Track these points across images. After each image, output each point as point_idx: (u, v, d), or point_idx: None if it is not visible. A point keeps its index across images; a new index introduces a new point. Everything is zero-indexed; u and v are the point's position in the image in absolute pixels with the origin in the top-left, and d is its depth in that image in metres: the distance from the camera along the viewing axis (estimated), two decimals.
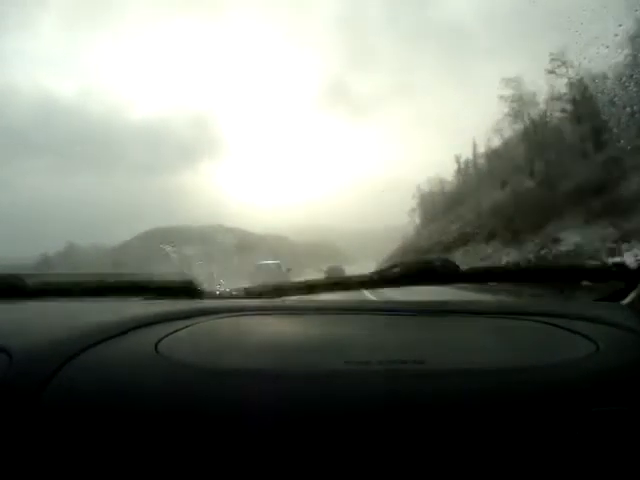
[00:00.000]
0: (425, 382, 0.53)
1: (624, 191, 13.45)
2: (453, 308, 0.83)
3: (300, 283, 0.94)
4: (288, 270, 13.53)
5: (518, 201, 20.73)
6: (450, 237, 26.04)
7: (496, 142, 30.26)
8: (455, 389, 0.52)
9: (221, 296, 0.99)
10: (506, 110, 25.82)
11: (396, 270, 0.85)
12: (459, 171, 36.03)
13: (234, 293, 0.99)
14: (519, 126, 26.13)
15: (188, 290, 0.94)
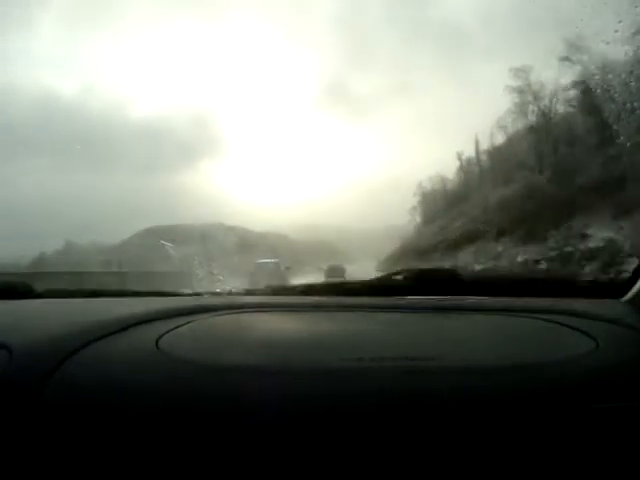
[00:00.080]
0: (426, 378, 0.54)
1: None
2: (454, 306, 0.83)
3: (299, 286, 0.93)
4: (287, 269, 13.49)
5: (531, 196, 19.94)
6: (454, 235, 25.34)
7: (499, 139, 30.00)
8: (456, 385, 0.53)
9: (221, 293, 0.99)
10: (515, 101, 24.95)
11: (399, 277, 0.85)
12: (461, 168, 35.80)
13: (234, 290, 0.99)
14: (526, 119, 25.25)
15: (189, 287, 0.95)
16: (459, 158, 35.83)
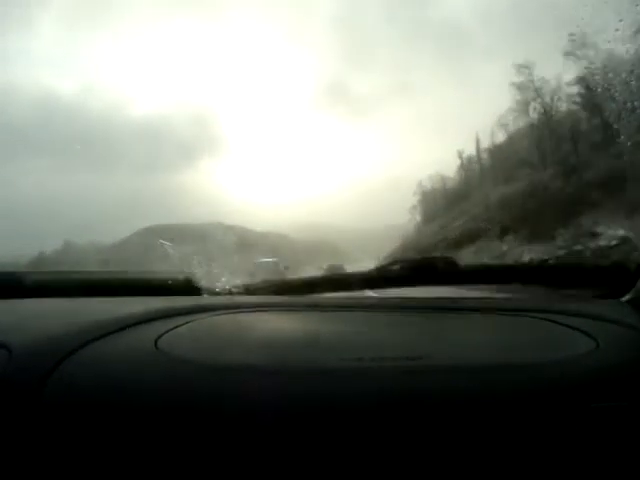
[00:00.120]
0: (426, 379, 0.54)
1: None
2: (453, 305, 0.84)
3: (298, 280, 0.93)
4: (285, 268, 13.46)
5: (536, 194, 19.41)
6: (455, 234, 24.93)
7: (500, 137, 29.83)
8: (455, 385, 0.52)
9: (221, 293, 0.99)
10: (517, 98, 24.43)
11: (396, 268, 0.84)
12: (462, 167, 35.68)
13: (234, 290, 0.99)
14: (528, 116, 24.70)
15: (188, 287, 0.94)
16: (460, 156, 35.58)
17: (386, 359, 0.57)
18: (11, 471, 0.47)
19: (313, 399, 0.51)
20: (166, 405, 0.50)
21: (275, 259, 13.67)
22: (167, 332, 0.64)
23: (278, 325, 0.76)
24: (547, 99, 23.03)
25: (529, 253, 15.32)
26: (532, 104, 24.63)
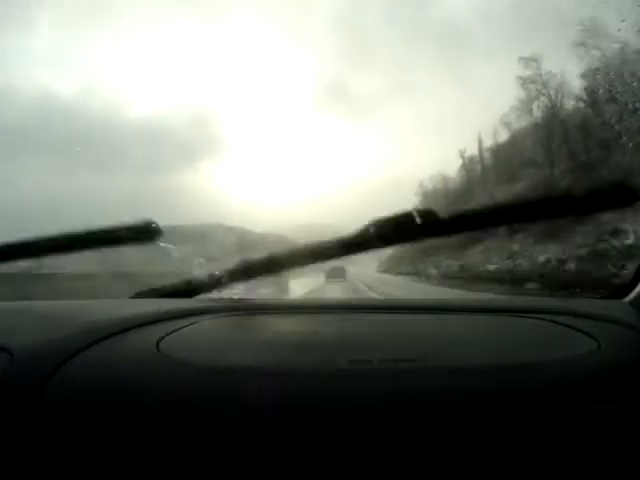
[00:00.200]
0: (427, 380, 0.53)
1: None
2: (454, 306, 0.83)
3: (263, 260, 0.87)
4: None
5: (547, 190, 19.46)
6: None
7: (503, 136, 29.65)
8: (457, 387, 0.52)
9: (222, 295, 0.98)
10: (523, 93, 23.83)
11: (375, 227, 0.79)
12: (463, 166, 35.57)
13: (235, 292, 0.99)
14: (532, 114, 24.08)
15: (189, 288, 0.94)
16: (462, 156, 35.40)
17: (390, 361, 0.57)
18: (13, 473, 0.46)
19: (315, 401, 0.51)
20: (168, 407, 0.50)
21: None
22: (169, 334, 0.63)
23: (280, 327, 0.76)
24: (554, 93, 22.30)
25: (545, 253, 14.29)
26: (536, 102, 24.06)
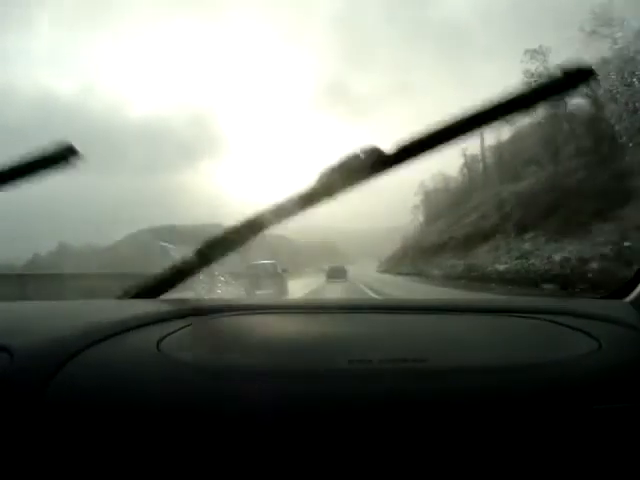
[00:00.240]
0: (427, 380, 0.53)
1: None
2: (454, 306, 0.83)
3: (221, 235, 0.87)
4: (284, 271, 13.34)
5: (560, 186, 17.26)
6: (464, 232, 23.80)
7: (506, 134, 29.40)
8: (457, 387, 0.52)
9: (222, 295, 0.98)
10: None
11: (324, 178, 0.76)
12: (465, 165, 35.39)
13: (235, 292, 0.99)
14: (535, 112, 24.42)
15: (188, 289, 0.94)
16: (463, 154, 35.21)
17: (390, 361, 0.57)
18: (14, 474, 0.46)
19: (315, 402, 0.50)
20: (168, 407, 0.50)
21: (273, 261, 13.62)
22: (169, 334, 0.63)
23: (280, 327, 0.76)
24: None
25: (561, 252, 13.15)
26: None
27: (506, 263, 15.57)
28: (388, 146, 0.75)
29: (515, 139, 27.89)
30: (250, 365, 0.56)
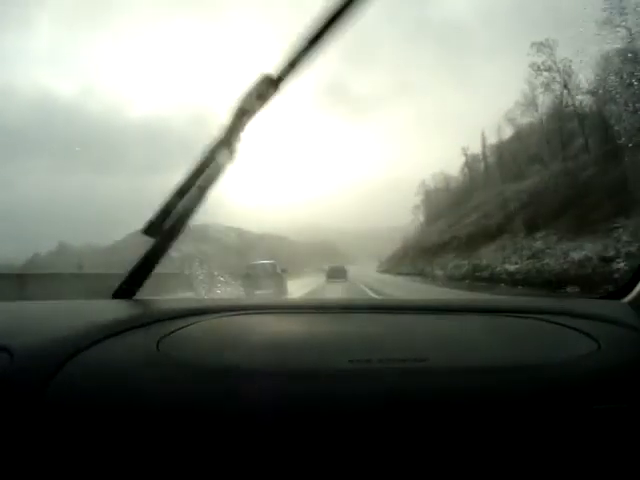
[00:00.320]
0: (427, 380, 0.53)
1: None
2: (455, 306, 0.83)
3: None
4: (283, 271, 13.30)
5: (571, 184, 16.35)
6: (467, 231, 23.28)
7: (508, 132, 29.23)
8: (457, 387, 0.52)
9: (221, 295, 0.98)
10: (532, 85, 22.88)
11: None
12: (466, 164, 35.28)
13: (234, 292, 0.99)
14: (545, 102, 22.85)
15: (188, 289, 0.94)
16: (465, 153, 35.06)
17: (391, 360, 0.57)
18: (14, 473, 0.46)
19: (315, 401, 0.51)
20: (168, 407, 0.50)
21: (272, 261, 13.58)
22: (169, 334, 0.63)
23: (280, 327, 0.76)
24: (568, 79, 21.14)
25: (580, 250, 12.28)
26: (544, 94, 22.80)
27: (516, 263, 14.97)
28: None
29: (517, 138, 27.75)
30: (250, 365, 0.56)
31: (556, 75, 21.90)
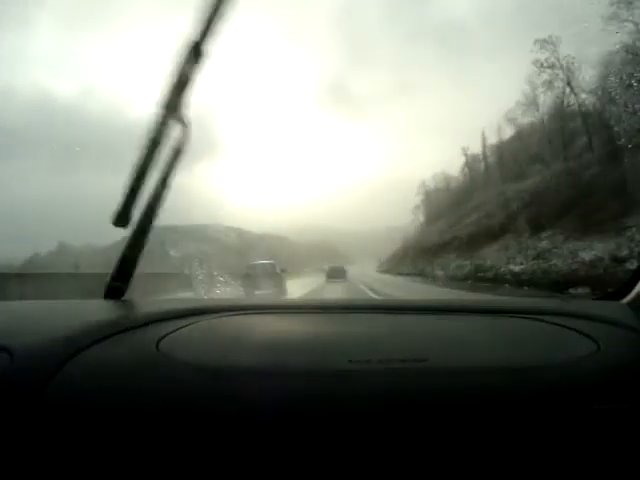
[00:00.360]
0: (427, 380, 0.53)
1: None
2: (455, 307, 0.83)
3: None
4: (282, 271, 13.28)
5: (574, 183, 16.07)
6: (468, 231, 23.06)
7: (508, 132, 29.16)
8: (457, 387, 0.52)
9: (221, 295, 0.98)
10: (533, 83, 22.80)
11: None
12: (466, 164, 35.24)
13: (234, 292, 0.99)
14: (547, 101, 22.68)
15: (188, 288, 0.94)
16: (465, 153, 35.00)
17: (390, 361, 0.57)
18: (14, 473, 0.46)
19: (315, 401, 0.51)
20: (168, 407, 0.50)
21: (272, 261, 13.57)
22: (168, 334, 0.63)
23: (280, 327, 0.76)
24: (571, 76, 20.98)
25: (590, 250, 11.78)
26: (546, 92, 22.52)
27: (521, 264, 14.62)
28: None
29: (517, 137, 27.69)
30: (250, 365, 0.56)
31: (559, 72, 21.75)
